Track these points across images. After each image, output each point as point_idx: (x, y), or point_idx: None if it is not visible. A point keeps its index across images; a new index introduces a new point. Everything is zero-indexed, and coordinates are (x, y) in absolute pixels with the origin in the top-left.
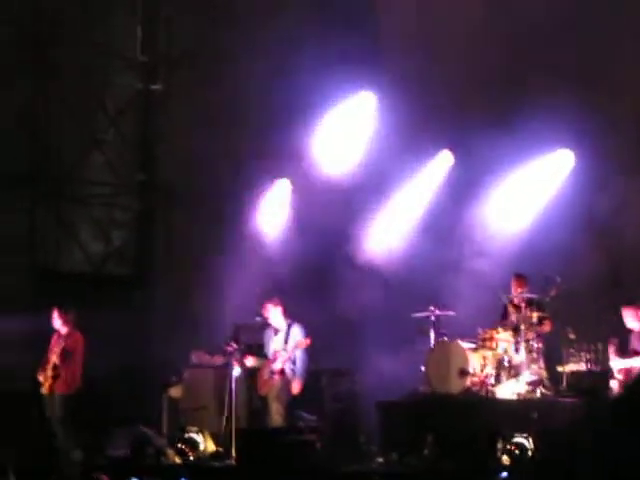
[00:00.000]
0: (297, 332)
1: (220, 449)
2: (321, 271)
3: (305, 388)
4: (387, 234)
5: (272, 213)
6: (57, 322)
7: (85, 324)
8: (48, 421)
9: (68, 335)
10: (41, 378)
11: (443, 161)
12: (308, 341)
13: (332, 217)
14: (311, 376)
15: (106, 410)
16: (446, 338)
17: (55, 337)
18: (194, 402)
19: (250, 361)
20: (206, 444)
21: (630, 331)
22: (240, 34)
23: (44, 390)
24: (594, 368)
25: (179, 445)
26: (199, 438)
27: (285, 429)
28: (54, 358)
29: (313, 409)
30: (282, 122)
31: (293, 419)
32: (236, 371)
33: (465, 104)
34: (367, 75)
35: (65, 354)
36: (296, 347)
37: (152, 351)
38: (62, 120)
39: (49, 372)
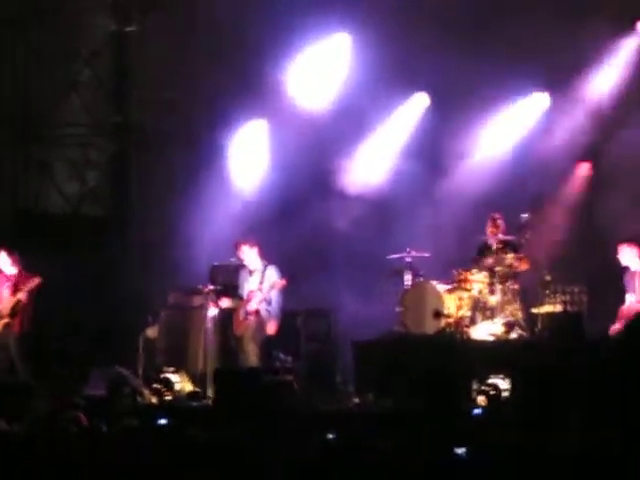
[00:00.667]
0: (272, 273)
1: (196, 389)
2: (298, 210)
3: (281, 329)
4: (364, 172)
5: (248, 152)
6: (5, 262)
7: (62, 265)
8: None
9: (21, 275)
10: None
11: (419, 102)
12: (284, 282)
13: (308, 155)
14: (287, 316)
15: (82, 351)
16: (421, 279)
17: None
18: (171, 342)
19: (225, 302)
20: (182, 384)
21: (623, 270)
22: None
23: None
24: (569, 309)
25: (155, 385)
26: (175, 378)
27: (261, 369)
28: (12, 298)
29: (289, 350)
30: (257, 61)
31: (269, 359)
32: (212, 312)
33: (440, 46)
34: (342, 15)
35: (30, 293)
36: (272, 288)
37: (128, 292)
38: (38, 63)
39: (5, 312)
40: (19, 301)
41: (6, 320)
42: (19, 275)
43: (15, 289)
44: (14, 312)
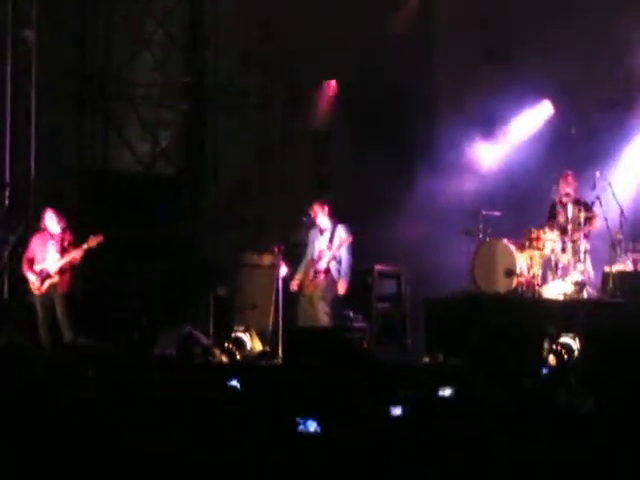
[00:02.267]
0: (342, 232)
1: (267, 348)
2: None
3: (351, 288)
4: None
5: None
6: (52, 221)
7: (132, 224)
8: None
9: (65, 233)
10: (33, 276)
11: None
12: (350, 238)
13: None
14: (357, 276)
15: (154, 310)
16: (493, 238)
17: (41, 237)
18: (242, 301)
19: (284, 270)
20: (253, 343)
21: None
22: None
23: (40, 289)
24: None
25: (226, 344)
26: (246, 337)
27: (331, 328)
28: (65, 256)
29: (360, 309)
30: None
31: (340, 318)
32: (283, 271)
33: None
34: None
35: (86, 251)
36: (340, 245)
37: (199, 251)
38: (111, 21)
39: (55, 269)
40: (73, 259)
41: (54, 279)
42: (64, 233)
43: (62, 248)
44: (62, 271)
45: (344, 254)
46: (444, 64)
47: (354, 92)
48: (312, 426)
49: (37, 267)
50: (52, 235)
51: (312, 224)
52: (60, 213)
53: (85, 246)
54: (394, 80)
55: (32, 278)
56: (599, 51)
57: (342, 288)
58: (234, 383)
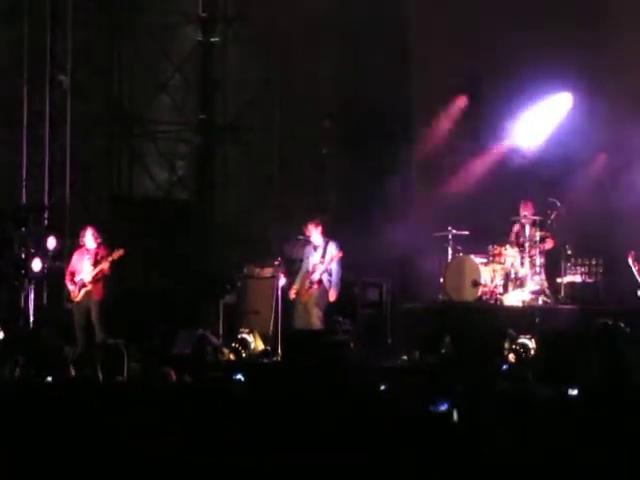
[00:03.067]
0: (333, 248)
1: (268, 348)
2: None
3: (340, 296)
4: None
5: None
6: (90, 239)
7: (153, 242)
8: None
9: (100, 248)
10: (72, 286)
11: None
12: (340, 253)
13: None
14: (345, 286)
15: (171, 315)
16: (461, 254)
17: (79, 252)
18: (247, 308)
19: (282, 281)
20: (256, 343)
21: None
22: None
23: (77, 297)
24: (588, 279)
25: (233, 344)
26: (250, 338)
27: (323, 331)
28: (96, 268)
29: (347, 314)
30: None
31: (330, 323)
32: (282, 281)
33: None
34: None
35: (112, 263)
36: (331, 260)
37: (210, 265)
38: (134, 68)
39: (89, 279)
40: (102, 270)
41: (88, 288)
42: (99, 248)
43: (96, 261)
44: (96, 280)
45: (334, 267)
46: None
47: (343, 123)
48: None
49: (76, 278)
50: (88, 250)
51: (307, 242)
52: (97, 231)
53: (110, 258)
54: (379, 114)
55: (72, 288)
56: None
57: (333, 296)
58: (239, 377)
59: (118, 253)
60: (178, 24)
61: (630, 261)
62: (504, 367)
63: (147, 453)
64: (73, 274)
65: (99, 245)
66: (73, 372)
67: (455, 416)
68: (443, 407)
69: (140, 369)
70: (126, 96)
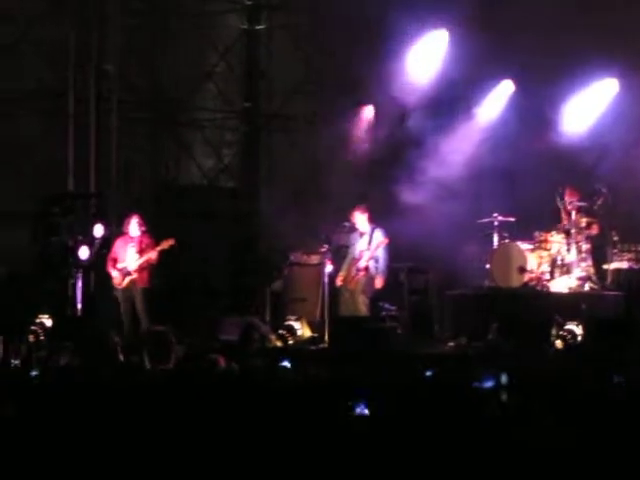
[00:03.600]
0: (379, 235)
1: (315, 334)
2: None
3: (387, 283)
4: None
5: (359, 135)
6: (135, 226)
7: (200, 230)
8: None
9: (144, 236)
10: (115, 273)
11: (505, 89)
12: (386, 240)
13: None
14: (392, 273)
15: (220, 302)
16: (508, 240)
17: (122, 239)
18: (293, 295)
19: (329, 268)
20: (303, 330)
21: None
22: None
23: (121, 284)
24: (635, 266)
25: (280, 331)
26: (297, 325)
27: (370, 318)
28: (143, 256)
29: (394, 301)
30: (364, 53)
31: (377, 309)
32: (328, 268)
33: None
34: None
35: (160, 253)
36: (378, 247)
37: (257, 252)
38: (179, 56)
39: (134, 267)
40: (149, 259)
41: (133, 276)
42: (143, 236)
43: (141, 249)
44: (141, 268)
45: (381, 253)
46: None
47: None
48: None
49: (119, 265)
50: (132, 238)
51: (353, 228)
52: (142, 219)
53: (159, 248)
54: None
55: (115, 275)
56: None
57: (379, 283)
58: (285, 363)
59: (168, 243)
60: (223, 11)
61: None
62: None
63: (193, 441)
64: (115, 261)
65: (143, 233)
66: (122, 359)
67: (504, 396)
68: (489, 384)
69: (187, 356)
70: (171, 84)
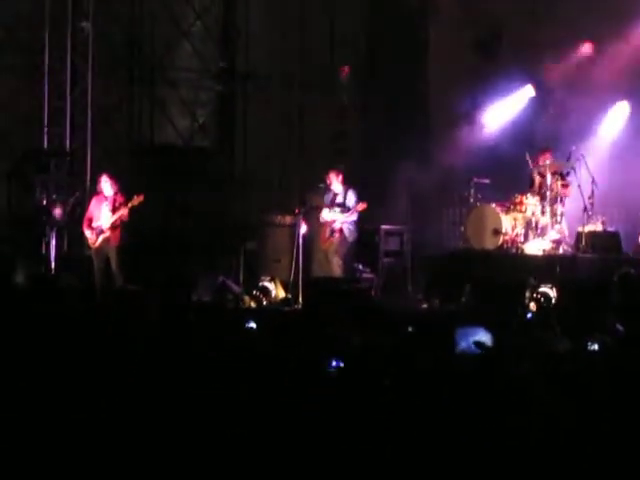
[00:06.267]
0: (351, 196)
1: (289, 295)
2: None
3: (361, 245)
4: None
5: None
6: (107, 185)
7: (174, 188)
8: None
9: (117, 195)
10: (90, 233)
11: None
12: (364, 205)
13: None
14: (367, 234)
15: (193, 261)
16: (482, 202)
17: (97, 199)
18: (267, 255)
19: (303, 228)
20: (277, 291)
21: None
22: None
23: (95, 243)
24: (608, 229)
25: (254, 292)
26: (271, 286)
27: (344, 279)
28: (115, 214)
29: (368, 263)
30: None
31: (351, 270)
32: (303, 229)
33: None
34: None
35: (131, 209)
36: (355, 211)
37: (232, 211)
38: (155, 14)
39: (107, 226)
40: (121, 216)
41: (106, 234)
42: (117, 195)
43: (114, 207)
44: (114, 226)
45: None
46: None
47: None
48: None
49: (94, 224)
50: (106, 197)
51: (327, 189)
52: (113, 178)
53: (129, 204)
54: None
55: (89, 234)
56: None
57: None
58: (252, 325)
59: (138, 199)
60: None
61: None
62: (528, 316)
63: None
64: (91, 220)
65: (117, 192)
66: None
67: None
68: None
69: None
70: (147, 43)
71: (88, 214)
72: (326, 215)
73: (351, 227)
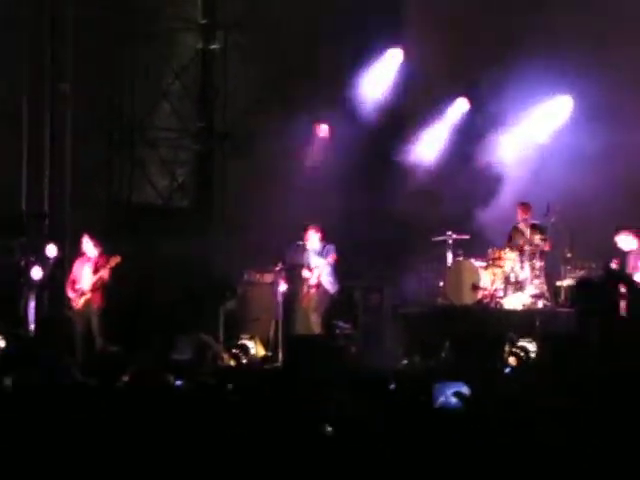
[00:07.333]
0: (330, 251)
1: (269, 353)
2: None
3: (340, 301)
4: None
5: (316, 151)
6: (90, 247)
7: (153, 248)
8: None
9: (101, 256)
10: (73, 294)
11: (459, 107)
12: (334, 257)
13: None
14: (346, 291)
15: (171, 321)
16: (461, 258)
17: (80, 260)
18: (247, 314)
19: (283, 287)
20: (257, 349)
21: (626, 254)
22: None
23: (77, 305)
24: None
25: (234, 350)
26: (251, 344)
27: (323, 336)
28: (95, 276)
29: (348, 319)
30: (323, 75)
31: (331, 328)
32: (282, 287)
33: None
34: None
35: (111, 270)
36: (327, 264)
37: (210, 271)
38: (134, 76)
39: (89, 287)
40: (101, 278)
41: (87, 296)
42: (99, 256)
43: (96, 269)
44: (95, 288)
45: (329, 271)
46: None
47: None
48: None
49: (77, 286)
50: (89, 258)
51: (305, 247)
52: (95, 238)
53: (108, 266)
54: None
55: (72, 296)
56: None
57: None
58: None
59: (115, 260)
60: (178, 31)
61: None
62: (507, 370)
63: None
64: (74, 282)
65: (100, 253)
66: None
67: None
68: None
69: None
70: (127, 103)
71: (72, 276)
72: (306, 273)
73: (331, 279)
